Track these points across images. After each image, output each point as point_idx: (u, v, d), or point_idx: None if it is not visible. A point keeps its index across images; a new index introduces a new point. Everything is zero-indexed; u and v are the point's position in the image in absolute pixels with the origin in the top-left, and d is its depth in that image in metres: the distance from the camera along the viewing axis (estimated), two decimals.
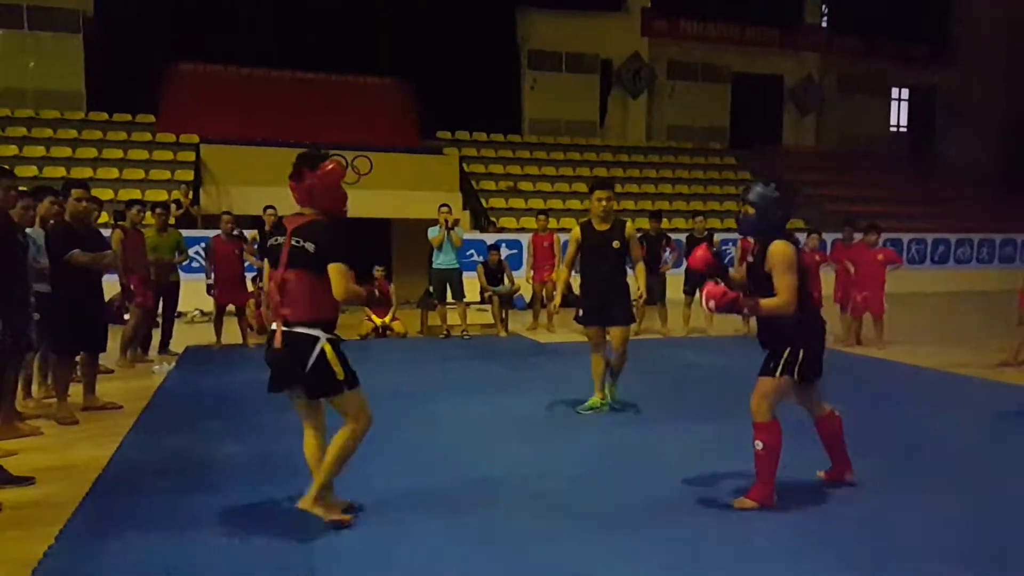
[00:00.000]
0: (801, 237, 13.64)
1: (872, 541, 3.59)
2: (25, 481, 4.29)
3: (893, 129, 25.79)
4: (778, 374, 3.92)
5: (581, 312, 6.00)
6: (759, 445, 3.93)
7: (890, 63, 23.59)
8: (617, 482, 4.41)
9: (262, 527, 3.69)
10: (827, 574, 3.27)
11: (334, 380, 3.55)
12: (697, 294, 10.32)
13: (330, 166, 3.56)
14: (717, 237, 11.21)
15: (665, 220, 12.65)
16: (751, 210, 3.99)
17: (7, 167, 5.06)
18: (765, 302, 3.89)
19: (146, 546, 3.48)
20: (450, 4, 17.82)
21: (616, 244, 5.85)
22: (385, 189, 15.51)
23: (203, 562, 3.34)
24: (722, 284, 3.95)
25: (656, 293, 10.30)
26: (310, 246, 3.49)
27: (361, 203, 15.03)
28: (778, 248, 3.86)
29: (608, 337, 6.06)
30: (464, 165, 17.09)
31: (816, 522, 3.83)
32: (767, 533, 3.68)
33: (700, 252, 4.18)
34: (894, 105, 25.74)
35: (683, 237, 11.19)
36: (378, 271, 10.54)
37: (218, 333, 9.12)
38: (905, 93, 25.75)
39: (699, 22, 21.14)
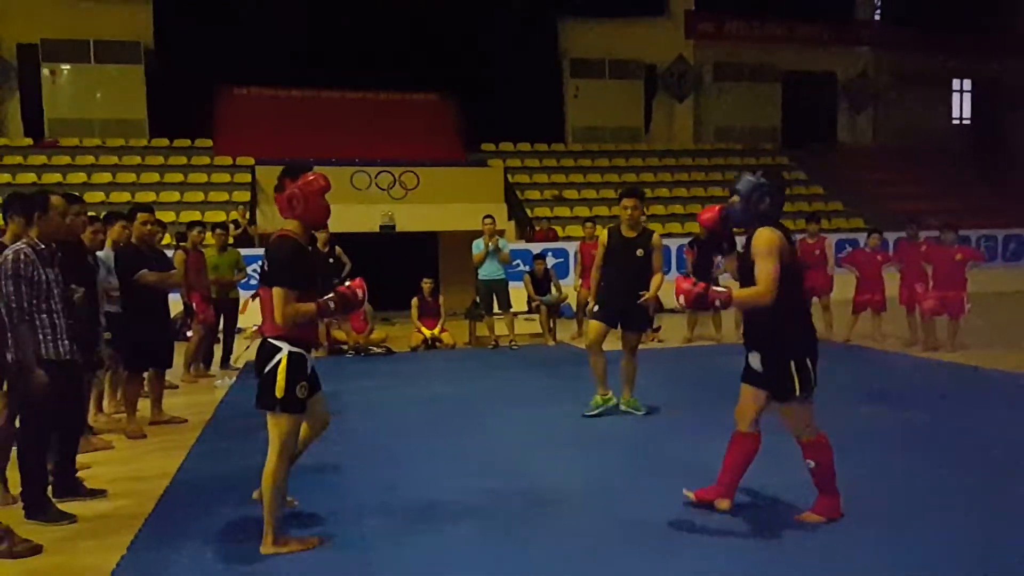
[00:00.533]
0: (861, 238, 13.39)
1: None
2: (98, 494, 4.53)
3: (956, 122, 24.86)
4: (799, 394, 3.68)
5: (596, 307, 6.12)
6: (811, 464, 3.82)
7: (949, 55, 22.79)
8: (669, 492, 4.35)
9: (320, 528, 3.85)
10: None
11: (271, 394, 3.44)
12: None
13: (311, 176, 3.58)
14: None
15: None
16: (736, 199, 3.83)
17: (76, 194, 5.35)
18: (739, 292, 3.73)
19: (213, 557, 3.63)
20: (491, 18, 18.00)
21: (640, 252, 5.96)
22: (432, 203, 15.75)
23: (268, 573, 3.47)
24: (691, 278, 3.82)
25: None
26: (265, 264, 3.54)
27: (408, 217, 15.58)
28: (761, 234, 3.66)
29: (621, 342, 6.18)
30: (508, 176, 17.19)
31: (888, 538, 3.73)
32: (830, 546, 3.60)
33: (708, 213, 3.94)
34: (955, 97, 24.81)
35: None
36: (426, 283, 10.70)
37: None
38: (968, 84, 24.80)
39: (745, 22, 20.83)
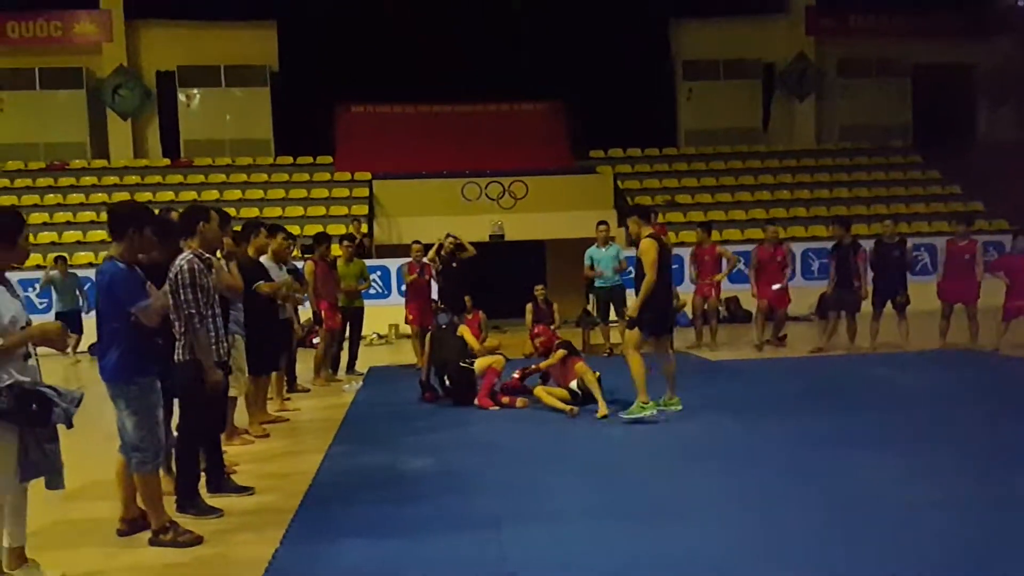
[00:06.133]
0: (1005, 239, 12.30)
1: None
2: (245, 490, 4.69)
3: None
4: None
5: None
6: None
7: None
8: (798, 511, 4.11)
9: (461, 538, 3.84)
10: None
11: None
12: (887, 305, 9.63)
13: None
14: (910, 243, 10.22)
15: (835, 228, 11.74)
16: None
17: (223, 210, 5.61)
18: None
19: (361, 553, 3.69)
20: (602, 22, 17.83)
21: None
22: (540, 212, 15.79)
23: (413, 570, 3.49)
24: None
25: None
26: None
27: (517, 226, 15.65)
28: None
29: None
30: (619, 182, 16.97)
31: None
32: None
33: None
34: None
35: (866, 244, 10.31)
36: (539, 290, 10.66)
37: (418, 354, 9.27)
38: None
39: (871, 15, 19.74)
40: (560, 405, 6.66)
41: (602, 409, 6.36)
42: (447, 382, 7.15)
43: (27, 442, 3.11)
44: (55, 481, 3.26)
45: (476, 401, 7.02)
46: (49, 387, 3.14)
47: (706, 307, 10.54)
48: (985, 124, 21.17)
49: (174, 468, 4.46)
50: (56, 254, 12.42)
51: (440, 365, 7.25)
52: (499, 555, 3.59)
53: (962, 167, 18.29)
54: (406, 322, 9.83)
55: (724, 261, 10.55)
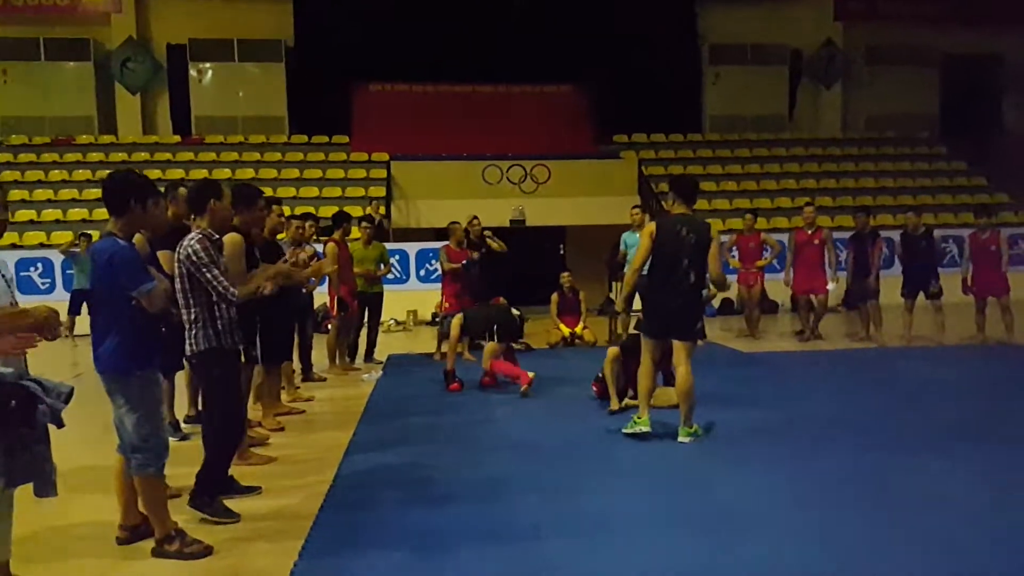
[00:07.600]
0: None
1: None
2: (253, 490, 4.28)
3: None
4: None
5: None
6: None
7: None
8: (859, 518, 3.74)
9: (499, 548, 3.49)
10: None
11: None
12: (921, 296, 9.25)
13: None
14: (938, 233, 9.85)
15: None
16: None
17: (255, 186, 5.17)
18: None
19: (389, 565, 3.33)
20: (628, 3, 17.27)
21: None
22: (562, 197, 15.36)
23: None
24: None
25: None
26: None
27: (539, 211, 15.19)
28: None
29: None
30: (643, 168, 16.48)
31: None
32: None
33: None
34: None
35: (892, 235, 10.01)
36: (565, 277, 10.25)
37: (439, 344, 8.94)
38: None
39: (902, 1, 19.12)
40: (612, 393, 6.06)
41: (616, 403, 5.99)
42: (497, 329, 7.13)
43: (11, 444, 2.67)
44: (44, 488, 2.80)
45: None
46: (34, 380, 2.69)
47: (748, 296, 10.25)
48: (1012, 116, 20.59)
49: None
50: (81, 231, 12.24)
51: (489, 321, 7.19)
52: (543, 570, 3.23)
53: (988, 158, 17.81)
54: (442, 310, 9.32)
55: (768, 248, 10.18)
